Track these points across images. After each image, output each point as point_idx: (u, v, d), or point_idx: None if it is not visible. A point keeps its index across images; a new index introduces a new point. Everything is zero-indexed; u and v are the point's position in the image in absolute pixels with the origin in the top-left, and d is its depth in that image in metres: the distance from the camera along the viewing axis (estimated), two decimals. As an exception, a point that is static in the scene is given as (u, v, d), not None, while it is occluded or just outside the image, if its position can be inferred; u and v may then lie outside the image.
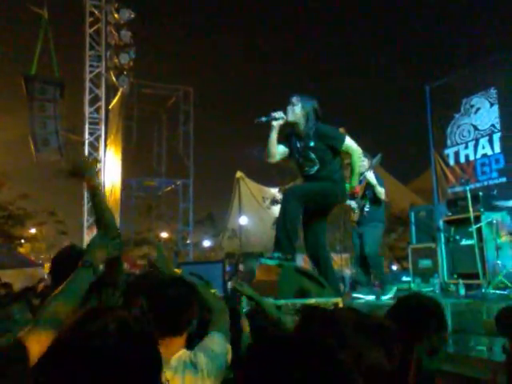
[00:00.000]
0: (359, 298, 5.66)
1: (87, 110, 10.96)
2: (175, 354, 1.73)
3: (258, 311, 2.47)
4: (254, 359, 0.86)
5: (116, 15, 10.90)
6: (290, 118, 3.93)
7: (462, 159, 8.92)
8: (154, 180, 13.45)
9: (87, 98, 11.01)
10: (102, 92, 11.20)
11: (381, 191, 5.63)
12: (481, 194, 6.52)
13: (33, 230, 21.57)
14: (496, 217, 6.15)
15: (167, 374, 1.62)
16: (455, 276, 6.54)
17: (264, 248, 14.67)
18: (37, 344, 1.20)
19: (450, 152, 9.22)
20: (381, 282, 5.73)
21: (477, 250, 5.82)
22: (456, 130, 9.13)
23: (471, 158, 8.73)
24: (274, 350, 0.84)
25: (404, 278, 7.20)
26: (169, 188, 13.66)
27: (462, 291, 6.01)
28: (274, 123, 3.89)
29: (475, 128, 8.74)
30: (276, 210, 16.22)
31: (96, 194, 2.17)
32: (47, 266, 13.51)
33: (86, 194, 10.55)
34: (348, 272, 10.47)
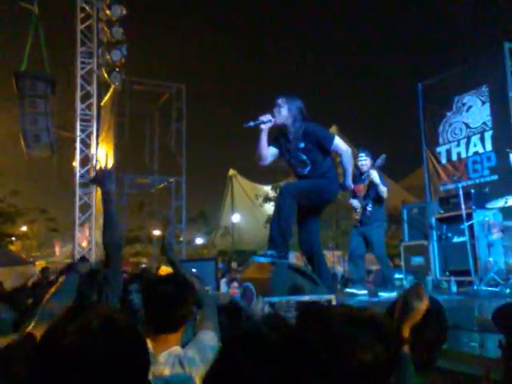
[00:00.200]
0: (353, 295, 5.65)
1: (79, 106, 10.88)
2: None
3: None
4: (226, 356, 0.86)
5: (108, 11, 10.81)
6: (278, 120, 3.94)
7: (454, 157, 8.97)
8: (146, 177, 13.39)
9: (79, 94, 10.92)
10: (93, 89, 11.12)
11: (384, 190, 5.61)
12: (473, 191, 6.56)
13: (24, 228, 21.41)
14: (488, 214, 6.20)
15: (154, 370, 1.61)
16: (447, 273, 6.59)
17: (257, 245, 14.68)
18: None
19: (442, 150, 9.27)
20: (387, 279, 5.70)
21: (469, 248, 5.86)
22: (448, 127, 9.18)
23: (463, 155, 8.78)
24: (248, 348, 0.83)
25: (396, 276, 7.22)
26: (161, 185, 13.61)
27: (454, 288, 6.04)
28: (263, 126, 3.91)
29: (467, 126, 8.79)
30: (268, 207, 16.23)
31: (107, 202, 2.24)
32: (39, 263, 13.42)
33: (77, 191, 10.48)
34: (340, 269, 10.50)
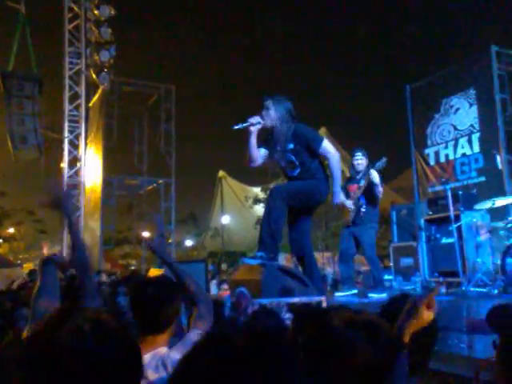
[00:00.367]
0: (343, 296, 5.66)
1: (67, 107, 10.79)
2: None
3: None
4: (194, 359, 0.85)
5: (96, 12, 10.74)
6: (267, 122, 3.94)
7: (442, 159, 9.05)
8: (135, 178, 13.32)
9: (67, 95, 10.83)
10: (81, 89, 11.04)
11: (381, 191, 5.62)
12: (461, 193, 6.61)
13: (11, 230, 21.15)
14: (475, 216, 6.25)
15: None
16: (436, 274, 6.63)
17: (247, 247, 14.67)
18: None
19: (430, 151, 9.34)
20: (377, 281, 5.70)
21: (457, 249, 5.90)
22: (436, 129, 9.25)
23: (451, 157, 8.86)
24: (217, 348, 0.83)
25: (386, 277, 7.26)
26: (150, 187, 13.54)
27: (443, 289, 6.09)
28: (252, 128, 3.90)
29: (455, 128, 8.87)
30: (258, 209, 16.24)
31: (71, 225, 2.13)
32: (26, 265, 13.27)
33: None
34: (330, 270, 10.53)
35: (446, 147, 8.99)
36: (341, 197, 4.04)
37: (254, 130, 3.91)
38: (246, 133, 3.96)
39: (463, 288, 5.58)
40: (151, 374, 1.66)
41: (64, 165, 10.60)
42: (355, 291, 5.68)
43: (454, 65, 9.05)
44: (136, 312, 1.83)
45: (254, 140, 3.94)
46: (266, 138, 4.11)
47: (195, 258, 15.59)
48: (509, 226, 5.60)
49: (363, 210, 5.61)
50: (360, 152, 5.79)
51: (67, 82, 10.80)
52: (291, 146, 3.94)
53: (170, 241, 13.34)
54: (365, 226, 5.65)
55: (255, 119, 3.90)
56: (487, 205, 6.08)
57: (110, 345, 0.91)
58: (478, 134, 8.41)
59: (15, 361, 0.92)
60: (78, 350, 0.88)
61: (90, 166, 11.42)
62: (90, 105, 11.74)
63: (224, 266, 11.14)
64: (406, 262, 7.22)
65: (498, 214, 6.28)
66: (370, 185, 5.55)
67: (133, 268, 13.50)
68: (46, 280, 1.80)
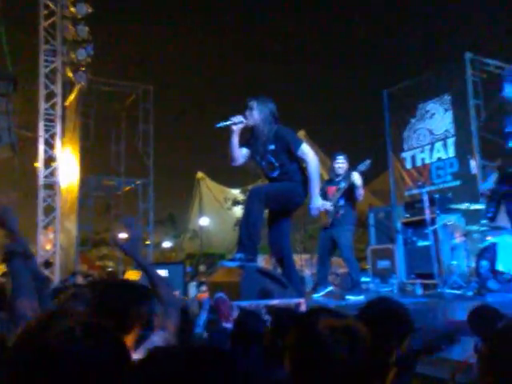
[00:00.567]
0: (320, 297, 5.70)
1: (42, 106, 10.57)
2: None
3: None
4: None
5: (72, 9, 10.55)
6: (250, 122, 3.96)
7: (419, 162, 9.21)
8: (112, 179, 13.15)
9: (42, 93, 10.61)
10: (57, 88, 10.82)
11: (362, 193, 5.69)
12: (437, 196, 6.73)
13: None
14: (451, 219, 6.37)
15: None
16: (413, 276, 6.73)
17: (225, 249, 14.63)
18: None
19: (407, 155, 9.49)
20: (354, 283, 5.73)
21: (433, 251, 6.00)
22: (413, 134, 9.41)
23: (427, 161, 9.02)
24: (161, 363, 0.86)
25: (363, 279, 7.33)
26: (128, 187, 13.39)
27: (419, 291, 6.18)
28: (234, 127, 3.92)
29: (431, 132, 9.03)
30: (237, 210, 16.22)
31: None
32: (-2, 267, 12.95)
33: (41, 193, 10.18)
34: (308, 272, 10.57)
35: (422, 151, 9.15)
36: (318, 201, 4.05)
37: (237, 129, 3.93)
38: (227, 132, 3.97)
39: (439, 290, 5.67)
40: None
41: (39, 164, 10.39)
42: (330, 288, 5.78)
43: (430, 71, 9.22)
44: (99, 314, 1.82)
45: (235, 139, 3.96)
46: (249, 138, 4.12)
47: (173, 260, 15.47)
48: (483, 229, 5.72)
49: (342, 212, 5.66)
50: (342, 156, 5.87)
51: (43, 80, 10.59)
52: (272, 147, 3.96)
53: (147, 242, 13.20)
54: (342, 227, 5.69)
55: (238, 118, 3.92)
56: (462, 208, 6.22)
57: (102, 348, 0.92)
58: (453, 139, 8.58)
59: (2, 363, 0.91)
60: (69, 352, 0.88)
61: (67, 166, 11.23)
62: (67, 104, 11.54)
63: (202, 268, 11.07)
64: (384, 264, 7.31)
65: (472, 217, 6.41)
66: (351, 187, 5.60)
67: (110, 270, 13.31)
68: (18, 278, 1.72)
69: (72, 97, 11.73)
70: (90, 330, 0.93)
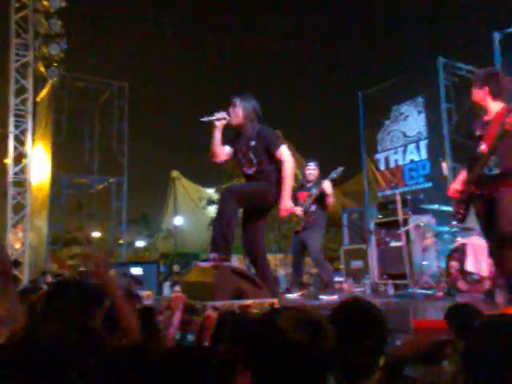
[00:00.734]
0: (294, 297, 5.78)
1: (12, 101, 10.30)
2: None
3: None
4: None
5: (45, 2, 10.31)
6: (233, 119, 3.98)
7: (392, 164, 9.35)
8: (85, 177, 12.91)
9: (12, 88, 10.34)
10: (29, 83, 10.56)
11: (332, 201, 5.89)
12: (409, 197, 6.85)
13: None
14: (422, 220, 6.48)
15: None
16: (385, 276, 6.82)
17: (200, 248, 14.54)
18: None
19: (380, 157, 9.63)
20: (326, 283, 5.90)
21: (405, 252, 6.10)
22: (386, 135, 9.54)
23: (400, 163, 9.17)
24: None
25: (336, 279, 7.40)
26: (101, 186, 13.17)
27: (391, 291, 6.28)
28: (217, 123, 3.93)
29: (404, 134, 9.18)
30: (212, 210, 16.13)
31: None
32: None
33: (10, 190, 9.92)
34: (282, 273, 10.61)
35: (396, 153, 9.30)
36: (288, 203, 4.08)
37: (220, 124, 3.94)
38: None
39: (410, 290, 5.77)
40: None
41: (9, 161, 10.12)
42: (299, 293, 5.99)
43: (404, 74, 9.37)
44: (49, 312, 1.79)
45: (218, 135, 3.97)
46: (233, 136, 4.13)
47: (147, 260, 15.30)
48: (453, 230, 5.85)
49: (313, 216, 5.85)
50: (313, 163, 6.09)
51: (13, 74, 10.32)
52: (253, 143, 3.98)
53: (120, 241, 13.02)
54: (312, 230, 5.87)
55: (221, 114, 3.93)
56: (433, 209, 6.34)
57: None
58: (425, 141, 8.74)
59: None
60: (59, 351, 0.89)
61: (38, 163, 10.97)
62: (38, 99, 11.27)
63: (176, 268, 10.98)
64: (357, 264, 7.40)
65: (443, 218, 6.54)
66: (322, 194, 5.77)
67: (82, 269, 13.07)
68: None
69: (44, 92, 11.47)
70: (83, 331, 0.95)
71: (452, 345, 1.75)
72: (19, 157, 10.30)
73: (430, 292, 5.67)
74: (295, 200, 5.77)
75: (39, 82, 11.16)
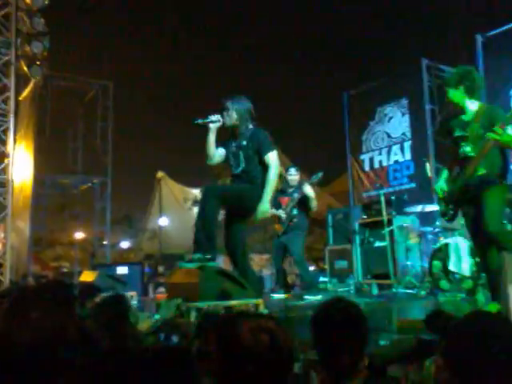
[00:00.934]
0: (278, 298, 5.83)
1: (-6, 100, 10.14)
2: None
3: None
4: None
5: (28, 0, 10.18)
6: (227, 122, 4.00)
7: (376, 165, 9.42)
8: (69, 177, 12.75)
9: (-6, 87, 10.18)
10: (11, 82, 10.41)
11: (316, 205, 6.04)
12: (393, 198, 6.90)
13: None
14: (406, 220, 6.55)
15: None
16: (369, 276, 6.87)
17: (185, 249, 14.48)
18: None
19: (365, 158, 9.69)
20: (308, 284, 6.03)
21: (388, 252, 6.15)
22: (371, 136, 9.61)
23: (384, 163, 9.24)
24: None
25: (321, 279, 7.44)
26: (85, 186, 13.03)
27: (375, 291, 6.33)
28: (211, 125, 3.95)
29: (388, 135, 9.26)
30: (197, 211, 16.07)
31: None
32: None
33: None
34: (268, 272, 10.62)
35: (380, 154, 9.37)
36: (267, 206, 4.09)
37: (213, 127, 3.96)
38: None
39: (393, 290, 5.82)
40: None
41: (-10, 161, 9.96)
42: (283, 294, 6.09)
43: (388, 75, 9.45)
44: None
45: (212, 137, 3.99)
46: (227, 139, 4.16)
47: (131, 261, 15.18)
48: (436, 230, 5.91)
49: (295, 220, 5.98)
50: (294, 168, 6.31)
51: (-5, 73, 10.16)
52: (244, 142, 4.00)
53: (104, 242, 12.90)
54: (293, 232, 6.01)
55: (215, 117, 3.96)
56: (417, 209, 6.40)
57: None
58: (409, 142, 8.82)
59: None
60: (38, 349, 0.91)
61: (20, 163, 10.81)
62: (21, 98, 11.11)
63: (161, 269, 10.91)
64: (341, 264, 7.43)
65: (427, 218, 6.61)
66: (304, 198, 5.93)
67: (65, 271, 12.90)
68: None
69: (27, 91, 11.31)
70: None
71: (434, 344, 1.78)
72: (1, 156, 10.14)
73: (413, 292, 5.72)
74: (277, 205, 5.94)
75: (22, 80, 11.01)
